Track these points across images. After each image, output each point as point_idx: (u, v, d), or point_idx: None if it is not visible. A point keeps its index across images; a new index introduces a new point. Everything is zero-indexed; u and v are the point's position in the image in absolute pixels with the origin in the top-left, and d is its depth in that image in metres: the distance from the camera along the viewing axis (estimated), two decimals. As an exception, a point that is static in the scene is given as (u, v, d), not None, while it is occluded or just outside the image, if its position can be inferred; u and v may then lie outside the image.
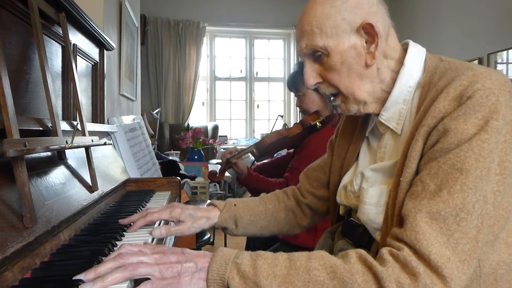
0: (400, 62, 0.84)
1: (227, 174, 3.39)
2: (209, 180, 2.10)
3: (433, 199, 0.67)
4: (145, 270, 0.63)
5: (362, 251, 0.68)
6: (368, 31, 0.80)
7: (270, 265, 0.67)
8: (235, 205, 1.03)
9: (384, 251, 0.67)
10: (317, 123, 1.81)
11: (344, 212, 1.00)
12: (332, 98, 0.89)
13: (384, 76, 0.84)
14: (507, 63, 3.88)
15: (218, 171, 2.03)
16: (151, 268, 0.63)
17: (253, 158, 2.00)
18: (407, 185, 0.74)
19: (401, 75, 0.83)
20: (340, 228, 1.00)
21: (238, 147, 2.06)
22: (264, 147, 1.89)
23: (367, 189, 0.84)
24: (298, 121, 1.94)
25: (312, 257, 0.68)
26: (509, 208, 0.73)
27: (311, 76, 0.86)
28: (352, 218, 0.94)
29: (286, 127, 1.95)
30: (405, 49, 0.86)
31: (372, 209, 0.83)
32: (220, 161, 5.07)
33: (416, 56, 0.84)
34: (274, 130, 1.98)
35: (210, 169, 2.30)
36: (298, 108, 1.92)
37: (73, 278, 0.60)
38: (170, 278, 0.64)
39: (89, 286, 0.59)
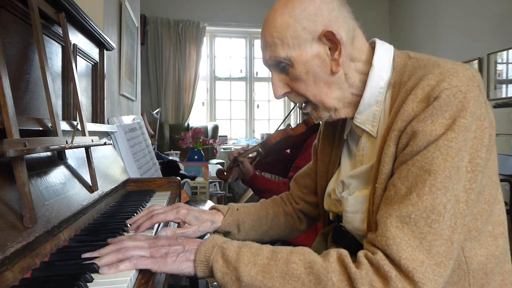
0: (369, 63, 0.82)
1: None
2: (217, 177, 2.18)
3: (403, 202, 0.67)
4: (137, 253, 0.69)
5: (343, 252, 0.69)
6: (330, 39, 0.78)
7: (253, 254, 0.70)
8: (237, 209, 1.03)
9: (361, 254, 0.68)
10: (320, 122, 1.83)
11: (334, 217, 0.99)
12: (303, 106, 0.88)
13: (353, 80, 0.82)
14: (507, 63, 3.88)
15: (227, 169, 2.08)
16: (143, 251, 0.71)
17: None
18: (382, 191, 0.73)
19: (370, 76, 0.81)
20: (332, 233, 1.00)
21: (245, 146, 2.13)
22: (270, 146, 1.94)
23: (347, 197, 0.84)
24: (302, 121, 1.97)
25: (294, 251, 0.70)
26: (491, 201, 0.73)
27: (279, 87, 0.84)
28: (341, 224, 0.93)
29: (290, 127, 1.98)
30: (373, 48, 0.84)
31: (354, 217, 0.83)
32: (221, 160, 5.08)
33: (384, 55, 0.82)
34: (281, 128, 2.02)
35: (218, 168, 2.35)
36: (300, 110, 1.94)
37: (82, 256, 0.70)
38: (158, 258, 0.70)
39: (89, 254, 0.70)
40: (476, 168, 0.69)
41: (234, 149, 2.12)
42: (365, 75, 0.82)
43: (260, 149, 1.97)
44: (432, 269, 0.64)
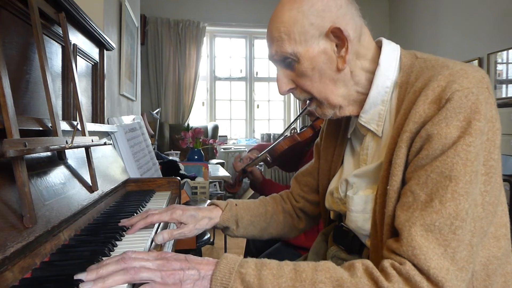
0: (375, 62, 0.82)
1: (226, 174, 3.40)
2: (226, 191, 2.13)
3: (425, 210, 0.66)
4: (147, 275, 0.62)
5: (369, 263, 0.67)
6: (338, 35, 0.77)
7: (275, 276, 0.65)
8: (236, 205, 1.02)
9: (387, 264, 0.66)
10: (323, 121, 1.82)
11: (335, 216, 0.99)
12: (307, 103, 0.87)
13: (359, 78, 0.82)
14: (507, 63, 3.88)
15: (235, 182, 2.04)
16: (152, 274, 0.63)
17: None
18: (395, 193, 0.73)
19: (377, 76, 0.81)
20: (333, 232, 0.99)
21: (249, 154, 2.08)
22: (278, 155, 1.92)
23: (352, 196, 0.83)
24: (308, 125, 1.96)
25: (319, 269, 0.66)
26: (495, 203, 0.73)
27: (284, 83, 0.84)
28: (342, 223, 0.93)
29: (295, 131, 1.97)
30: (379, 47, 0.84)
31: (359, 216, 0.82)
32: (221, 160, 5.07)
33: (391, 54, 0.82)
34: (286, 133, 2.00)
35: (225, 181, 2.32)
36: (308, 116, 1.95)
37: (75, 277, 0.60)
38: (171, 285, 0.63)
39: (89, 286, 0.59)
40: (490, 170, 0.69)
41: (241, 159, 2.06)
42: (371, 73, 0.82)
43: (268, 158, 1.94)
44: (455, 275, 0.64)
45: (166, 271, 0.64)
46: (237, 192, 2.15)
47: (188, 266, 0.66)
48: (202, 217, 0.95)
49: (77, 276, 0.60)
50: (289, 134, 1.97)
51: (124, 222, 0.92)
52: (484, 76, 0.71)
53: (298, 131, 1.95)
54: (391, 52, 0.82)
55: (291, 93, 0.87)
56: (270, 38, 0.82)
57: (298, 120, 5.74)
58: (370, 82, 0.82)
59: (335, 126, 1.00)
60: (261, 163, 1.97)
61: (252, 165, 1.93)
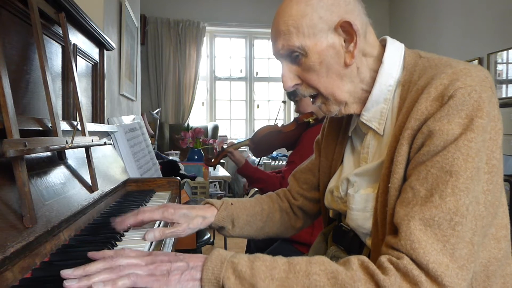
0: (379, 60, 0.82)
1: (226, 174, 3.40)
2: (205, 164, 2.27)
3: (425, 205, 0.66)
4: (133, 271, 0.62)
5: (364, 258, 0.66)
6: (346, 30, 0.78)
7: (268, 267, 0.65)
8: (232, 204, 0.99)
9: (384, 259, 0.65)
10: (310, 120, 1.87)
11: (334, 215, 0.98)
12: (312, 100, 0.86)
13: (364, 75, 0.82)
14: (507, 63, 3.88)
15: (213, 157, 2.15)
16: (139, 269, 0.63)
17: (251, 155, 2.08)
18: (396, 191, 0.72)
19: (380, 74, 0.81)
20: (332, 233, 0.98)
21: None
22: (258, 138, 1.99)
23: (353, 195, 0.83)
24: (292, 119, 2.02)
25: (313, 261, 0.65)
26: (496, 204, 0.72)
27: (289, 78, 0.83)
28: (342, 223, 0.93)
29: (282, 124, 2.04)
30: (383, 46, 0.84)
31: (360, 215, 0.82)
32: (221, 161, 5.09)
33: (395, 53, 0.82)
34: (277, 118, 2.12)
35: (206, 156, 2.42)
36: (297, 113, 1.98)
37: (61, 273, 0.59)
38: (159, 276, 0.63)
39: (74, 282, 0.58)
40: (492, 170, 0.69)
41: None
42: (375, 72, 0.82)
43: (249, 142, 2.05)
44: (456, 273, 0.62)
45: (154, 264, 0.64)
46: (214, 166, 2.33)
47: (177, 259, 0.66)
48: (195, 216, 0.92)
49: (64, 272, 0.60)
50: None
51: (117, 221, 0.90)
52: (487, 75, 0.71)
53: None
54: (395, 50, 0.82)
55: (296, 89, 0.86)
56: (277, 32, 0.82)
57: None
58: (374, 80, 0.82)
59: (336, 124, 1.00)
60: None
61: (234, 147, 2.02)
